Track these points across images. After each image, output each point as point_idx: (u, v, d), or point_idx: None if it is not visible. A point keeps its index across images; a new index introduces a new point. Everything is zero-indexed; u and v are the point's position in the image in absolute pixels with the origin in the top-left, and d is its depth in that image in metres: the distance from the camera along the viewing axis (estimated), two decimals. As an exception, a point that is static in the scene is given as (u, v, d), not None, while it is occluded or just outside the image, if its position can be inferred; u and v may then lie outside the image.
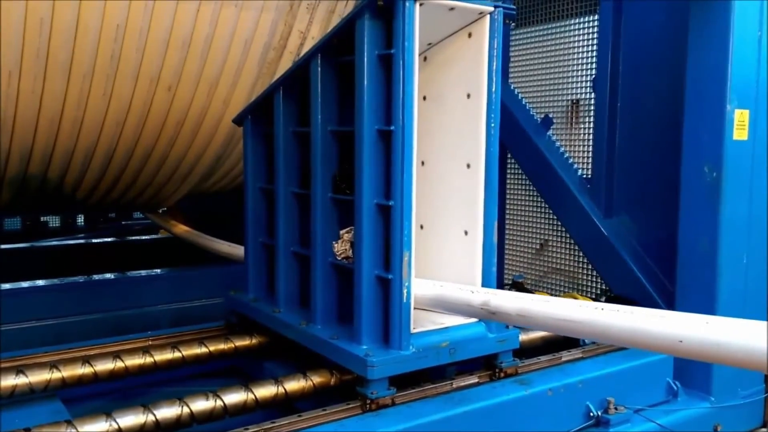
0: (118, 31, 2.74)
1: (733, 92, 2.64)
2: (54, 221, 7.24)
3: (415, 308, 2.16)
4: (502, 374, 2.36)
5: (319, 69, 2.28)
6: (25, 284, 3.68)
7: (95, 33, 2.71)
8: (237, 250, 3.52)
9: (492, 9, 2.17)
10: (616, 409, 2.43)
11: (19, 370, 2.18)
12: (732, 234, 2.72)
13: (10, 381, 2.14)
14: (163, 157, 3.41)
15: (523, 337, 2.60)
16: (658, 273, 3.10)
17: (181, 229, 4.32)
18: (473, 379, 2.31)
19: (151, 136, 3.23)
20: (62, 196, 3.57)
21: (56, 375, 2.20)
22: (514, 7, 2.36)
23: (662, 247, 3.03)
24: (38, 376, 2.18)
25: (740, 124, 2.69)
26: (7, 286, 3.62)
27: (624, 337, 1.68)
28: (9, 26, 2.56)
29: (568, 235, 3.59)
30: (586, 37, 3.43)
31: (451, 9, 2.11)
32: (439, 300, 2.20)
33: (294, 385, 2.17)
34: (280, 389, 2.14)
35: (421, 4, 1.99)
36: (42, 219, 6.96)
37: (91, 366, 2.27)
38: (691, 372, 2.75)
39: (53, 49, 2.68)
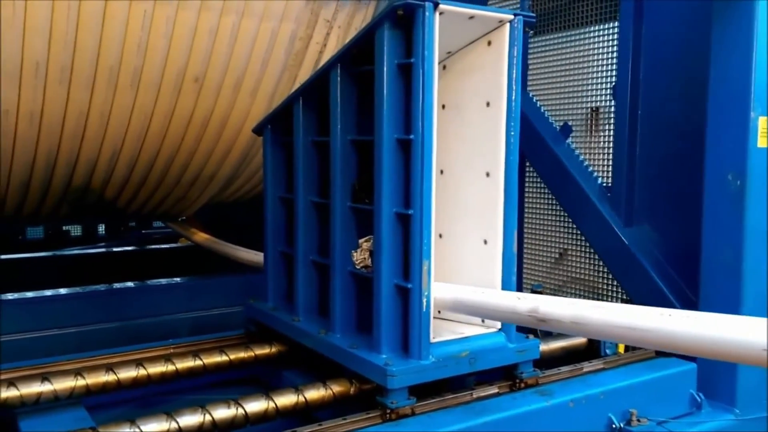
0: (140, 44, 2.78)
1: (756, 99, 2.60)
2: (75, 230, 7.33)
3: (449, 316, 2.17)
4: (523, 385, 2.34)
5: (339, 79, 2.29)
6: (48, 292, 3.73)
7: (119, 45, 2.75)
8: (257, 256, 3.54)
9: (512, 17, 2.17)
10: (638, 421, 2.39)
11: (44, 378, 2.20)
12: (757, 243, 2.68)
13: (36, 388, 2.17)
14: (184, 166, 3.45)
15: (544, 347, 2.58)
16: (680, 282, 3.05)
17: (201, 236, 4.35)
18: (493, 390, 2.30)
19: (173, 146, 3.27)
20: (85, 203, 3.62)
21: (81, 382, 2.22)
22: (534, 15, 2.35)
23: (684, 256, 2.99)
24: (63, 384, 2.21)
25: (764, 131, 2.65)
26: (30, 294, 3.68)
27: (700, 346, 1.52)
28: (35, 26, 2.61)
29: (587, 244, 3.55)
30: (605, 44, 3.41)
31: (471, 17, 2.11)
32: (482, 307, 2.10)
33: (314, 393, 2.17)
34: (300, 398, 2.14)
35: (441, 13, 2.00)
36: (64, 228, 7.05)
37: (115, 373, 2.29)
38: (716, 384, 2.70)
39: (78, 61, 2.73)
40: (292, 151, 2.60)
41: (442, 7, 1.99)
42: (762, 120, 2.62)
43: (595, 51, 3.46)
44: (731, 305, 2.68)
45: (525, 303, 1.95)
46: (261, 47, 3.05)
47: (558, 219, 3.74)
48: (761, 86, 2.61)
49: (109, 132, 3.05)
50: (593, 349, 2.76)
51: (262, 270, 2.92)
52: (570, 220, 3.64)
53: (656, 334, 1.60)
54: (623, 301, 3.37)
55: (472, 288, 2.17)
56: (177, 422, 1.93)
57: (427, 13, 1.96)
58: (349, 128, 2.33)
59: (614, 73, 3.35)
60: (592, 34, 3.46)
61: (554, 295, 3.71)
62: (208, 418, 1.98)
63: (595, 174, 3.49)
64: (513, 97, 2.21)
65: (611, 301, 3.45)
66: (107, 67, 2.81)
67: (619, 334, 1.71)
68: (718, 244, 2.72)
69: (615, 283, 3.42)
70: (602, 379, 2.48)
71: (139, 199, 3.67)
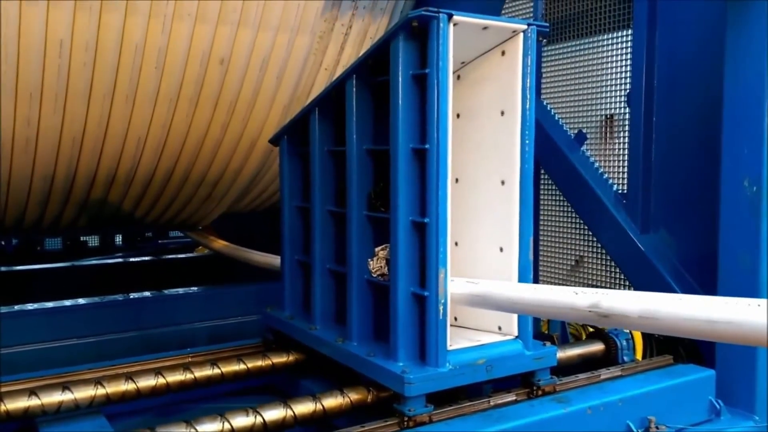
0: (159, 58, 2.83)
1: (772, 105, 2.59)
2: (93, 241, 7.42)
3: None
4: (540, 392, 2.34)
5: (355, 89, 2.32)
6: (67, 303, 3.78)
7: (138, 58, 2.80)
8: (275, 260, 3.55)
9: (525, 27, 2.19)
10: (657, 428, 2.38)
11: (65, 387, 2.23)
12: (774, 249, 2.66)
13: (56, 397, 2.20)
14: (201, 177, 3.49)
15: (561, 354, 2.57)
16: (697, 289, 3.04)
17: (220, 243, 4.39)
18: (511, 397, 2.30)
19: (190, 158, 3.31)
20: (103, 215, 3.67)
21: (100, 391, 2.24)
22: (547, 24, 2.37)
23: (702, 263, 2.98)
24: (83, 393, 2.23)
25: (780, 137, 2.64)
26: (50, 304, 3.73)
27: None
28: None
29: (604, 251, 3.55)
30: (619, 51, 3.41)
31: (485, 28, 2.13)
32: (537, 304, 1.96)
33: (331, 401, 2.18)
34: (318, 406, 2.15)
35: (455, 25, 2.02)
36: (82, 239, 7.14)
37: (134, 382, 2.31)
38: (735, 390, 2.68)
39: (97, 78, 2.79)
40: (309, 161, 2.63)
41: (456, 18, 2.01)
42: (778, 125, 2.61)
43: (609, 59, 3.46)
44: (750, 312, 2.66)
45: (585, 298, 1.81)
46: (277, 59, 3.09)
47: (574, 226, 3.74)
48: (776, 92, 2.60)
49: (127, 144, 3.10)
50: (610, 356, 2.75)
51: (280, 276, 2.95)
52: (586, 227, 3.63)
53: (741, 327, 1.45)
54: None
55: (524, 285, 2.08)
56: (196, 430, 1.95)
57: (441, 25, 1.99)
58: (365, 138, 2.35)
59: (628, 80, 3.35)
60: (605, 42, 3.47)
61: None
62: (227, 426, 1.99)
63: (611, 181, 3.49)
64: (527, 106, 2.22)
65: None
66: (126, 82, 2.86)
67: (697, 329, 1.55)
68: (735, 250, 2.70)
69: (632, 289, 3.41)
70: (620, 386, 2.47)
71: (156, 209, 3.72)
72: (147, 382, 2.34)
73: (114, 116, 2.95)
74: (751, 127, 2.64)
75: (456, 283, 2.15)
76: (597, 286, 3.58)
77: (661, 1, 3.17)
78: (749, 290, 2.67)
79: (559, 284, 3.83)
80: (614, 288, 3.50)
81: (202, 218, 4.17)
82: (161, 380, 2.36)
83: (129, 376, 2.33)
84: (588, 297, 1.81)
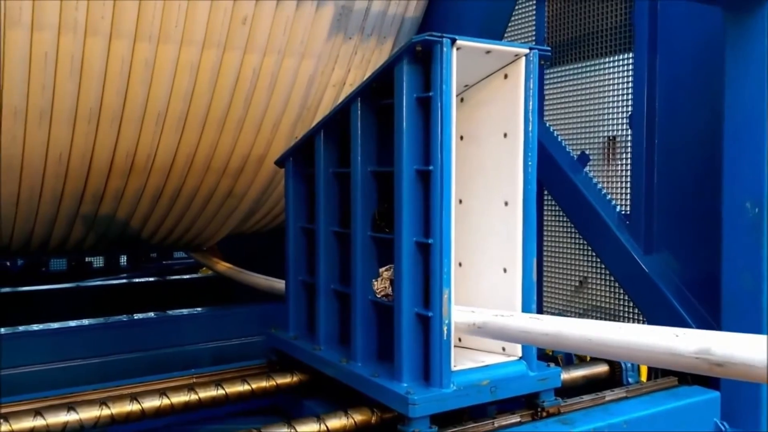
0: (168, 78, 2.87)
1: (772, 127, 2.62)
2: (98, 261, 7.44)
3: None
4: (545, 413, 2.33)
5: (359, 112, 2.35)
6: (72, 323, 3.79)
7: (146, 80, 2.84)
8: (278, 284, 3.57)
9: (527, 51, 2.22)
10: (662, 450, 2.37)
11: (70, 407, 2.24)
12: (777, 270, 2.67)
13: (62, 417, 2.20)
14: (209, 196, 3.52)
15: (565, 375, 2.57)
16: (701, 310, 3.04)
17: (224, 266, 4.41)
18: (515, 419, 2.29)
19: (197, 179, 3.35)
20: (110, 234, 3.69)
21: (105, 412, 2.25)
22: (549, 48, 2.40)
23: (705, 283, 2.98)
24: (88, 413, 2.23)
25: (781, 158, 2.66)
26: (55, 325, 3.74)
27: None
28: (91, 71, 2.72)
29: (607, 272, 3.55)
30: (621, 74, 3.45)
31: (488, 52, 2.17)
32: (624, 346, 1.70)
33: (335, 422, 2.18)
34: (322, 426, 2.15)
35: (458, 49, 2.06)
36: (86, 259, 7.17)
37: (139, 403, 2.31)
38: (740, 412, 2.67)
39: (106, 102, 2.84)
40: (314, 182, 2.65)
41: (459, 42, 2.05)
42: (779, 147, 2.63)
43: (611, 81, 3.50)
44: (752, 331, 2.65)
45: (689, 341, 1.54)
46: (283, 82, 3.13)
47: (577, 247, 3.75)
48: (777, 114, 2.63)
49: (135, 165, 3.14)
50: (615, 377, 2.74)
51: (283, 298, 2.96)
52: (589, 248, 3.64)
53: None
54: (644, 329, 3.34)
55: (607, 324, 1.80)
56: (201, 451, 1.96)
57: (444, 49, 2.02)
58: (370, 160, 2.38)
59: (630, 102, 3.38)
60: (607, 65, 3.51)
61: (574, 323, 3.70)
62: (231, 446, 1.99)
63: (614, 202, 3.50)
64: (530, 128, 2.25)
65: (632, 330, 3.42)
66: (135, 107, 2.90)
67: None
68: (738, 271, 2.71)
69: (636, 310, 3.41)
70: (625, 408, 2.47)
71: (163, 228, 3.74)
72: (151, 403, 2.34)
73: (123, 136, 2.99)
74: (751, 148, 2.66)
75: (517, 319, 1.99)
76: (601, 308, 3.58)
77: (662, 25, 3.21)
78: (752, 311, 2.67)
79: (563, 306, 3.84)
80: (619, 309, 3.50)
81: (208, 239, 4.19)
82: (165, 401, 2.36)
83: (134, 397, 2.34)
84: (693, 340, 1.55)
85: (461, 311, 2.15)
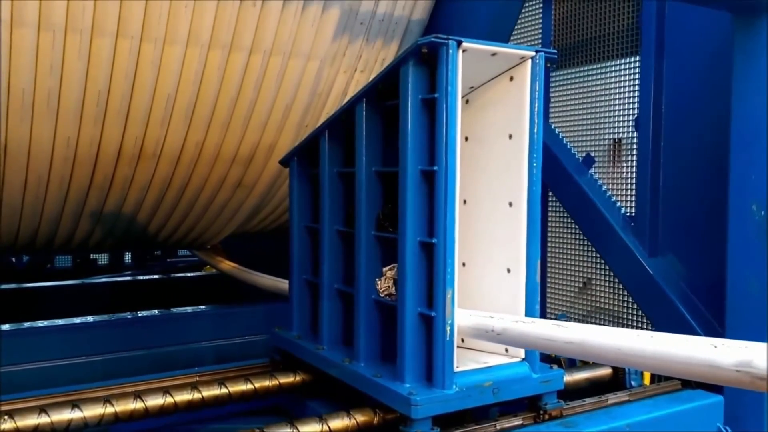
0: (173, 81, 2.88)
1: (779, 130, 2.61)
2: (103, 259, 7.47)
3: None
4: (547, 416, 2.33)
5: (364, 112, 2.35)
6: (76, 320, 3.80)
7: (152, 78, 2.85)
8: (282, 284, 3.58)
9: (533, 54, 2.22)
10: (665, 453, 2.36)
11: (74, 405, 2.24)
12: (782, 273, 2.66)
13: (66, 415, 2.21)
14: (213, 194, 3.52)
15: (568, 378, 2.57)
16: (705, 313, 3.03)
17: (228, 265, 4.42)
18: (517, 421, 2.29)
19: (201, 177, 3.35)
20: (118, 229, 3.69)
21: (109, 410, 2.25)
22: (555, 51, 2.40)
23: (710, 287, 2.97)
24: (93, 411, 2.24)
25: (787, 162, 2.65)
26: (59, 322, 3.75)
27: None
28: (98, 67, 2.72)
29: (612, 274, 3.54)
30: (627, 77, 3.45)
31: (494, 54, 2.17)
32: (654, 356, 1.60)
33: (338, 423, 2.18)
34: (324, 427, 2.15)
35: (464, 51, 2.06)
36: (91, 257, 7.19)
37: (143, 401, 2.32)
38: (743, 416, 2.66)
39: (112, 97, 2.84)
40: (318, 182, 2.66)
41: (465, 44, 2.05)
42: (785, 151, 2.62)
43: (618, 84, 3.50)
44: (757, 335, 2.65)
45: (729, 353, 1.44)
46: (289, 84, 3.14)
47: (582, 248, 3.74)
48: (783, 117, 2.62)
49: (140, 164, 3.15)
50: (618, 380, 2.74)
51: (287, 298, 2.96)
52: (594, 250, 3.64)
53: None
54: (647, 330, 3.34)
55: (640, 333, 1.69)
56: (204, 449, 1.96)
57: (450, 51, 2.02)
58: (374, 160, 2.38)
59: (636, 105, 3.38)
60: (614, 68, 3.50)
61: (578, 325, 3.69)
62: (234, 445, 2.00)
63: (619, 204, 3.50)
64: (535, 130, 2.25)
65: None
66: (142, 102, 2.91)
67: None
68: (743, 274, 2.70)
69: (640, 312, 3.40)
70: (627, 411, 2.46)
71: (170, 224, 3.73)
72: (155, 401, 2.35)
73: (128, 132, 2.99)
74: (758, 151, 2.65)
75: (539, 325, 1.91)
76: (605, 309, 3.57)
77: (669, 28, 3.21)
78: (757, 314, 2.67)
79: (566, 307, 3.83)
80: (623, 311, 3.49)
81: (212, 237, 4.20)
82: (169, 399, 2.37)
83: (137, 395, 2.34)
84: (733, 352, 1.44)
85: (479, 316, 2.11)
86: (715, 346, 1.49)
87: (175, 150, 3.14)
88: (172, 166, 3.23)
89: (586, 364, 2.80)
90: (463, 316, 2.14)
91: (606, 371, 2.78)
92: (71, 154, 2.97)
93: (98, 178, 3.17)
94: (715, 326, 2.96)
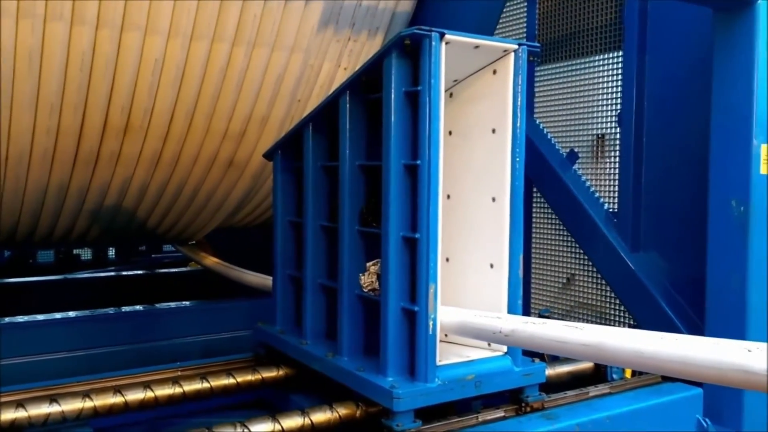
0: (155, 66, 2.84)
1: (758, 127, 2.64)
2: (86, 254, 7.40)
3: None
4: (529, 408, 2.34)
5: (348, 105, 2.34)
6: (58, 316, 3.77)
7: (134, 68, 2.82)
8: (266, 280, 3.57)
9: (516, 47, 2.22)
10: (645, 446, 2.38)
11: (53, 399, 2.22)
12: (761, 268, 2.69)
13: (44, 409, 2.19)
14: (194, 193, 3.49)
15: (550, 371, 2.58)
16: (686, 308, 3.06)
17: (211, 260, 4.40)
18: (499, 413, 2.30)
19: (185, 171, 3.32)
20: (102, 218, 3.63)
21: (88, 404, 2.24)
22: (539, 44, 2.41)
23: (691, 282, 3.00)
24: (71, 405, 2.22)
25: (766, 158, 2.68)
26: (41, 317, 3.72)
27: None
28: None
29: (594, 270, 3.57)
30: (610, 72, 3.47)
31: (476, 47, 2.17)
32: (679, 360, 1.50)
33: (320, 416, 2.18)
34: (307, 420, 2.15)
35: (447, 43, 2.05)
36: (74, 252, 7.12)
37: (122, 395, 2.30)
38: (722, 409, 2.69)
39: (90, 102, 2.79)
40: (302, 176, 2.65)
41: (448, 37, 2.05)
42: (764, 147, 2.65)
43: (601, 79, 3.52)
44: (736, 330, 2.68)
45: (764, 358, 1.34)
46: (272, 76, 3.12)
47: (565, 244, 3.76)
48: (763, 114, 2.65)
49: (119, 165, 3.11)
50: (600, 373, 2.76)
51: (270, 294, 2.95)
52: (577, 246, 3.66)
53: None
54: (630, 326, 3.37)
55: (663, 335, 1.59)
56: (184, 443, 1.95)
57: (433, 43, 2.02)
58: (358, 154, 2.38)
59: (619, 100, 3.40)
60: (597, 63, 3.52)
61: (563, 319, 3.72)
62: (215, 439, 1.99)
63: (602, 200, 3.52)
64: (518, 124, 2.25)
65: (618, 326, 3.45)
66: (122, 96, 2.88)
67: None
68: (722, 270, 2.73)
69: (622, 308, 3.43)
70: (608, 404, 2.48)
71: (157, 212, 3.67)
72: (135, 396, 2.33)
73: (109, 127, 2.95)
74: (738, 147, 2.68)
75: (551, 327, 1.83)
76: (588, 305, 3.60)
77: (651, 24, 3.23)
78: (737, 309, 2.70)
79: (550, 302, 3.85)
80: (606, 306, 3.52)
81: (197, 232, 4.17)
82: (150, 394, 2.35)
83: (117, 389, 2.33)
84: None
85: (486, 317, 2.07)
86: (749, 350, 1.39)
87: (164, 122, 3.04)
88: (161, 140, 3.13)
89: (568, 358, 2.82)
90: (467, 316, 2.12)
91: (588, 365, 2.80)
92: (54, 125, 2.85)
93: (83, 150, 3.05)
94: (696, 320, 3.00)
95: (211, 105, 3.06)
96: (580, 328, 1.74)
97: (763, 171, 2.66)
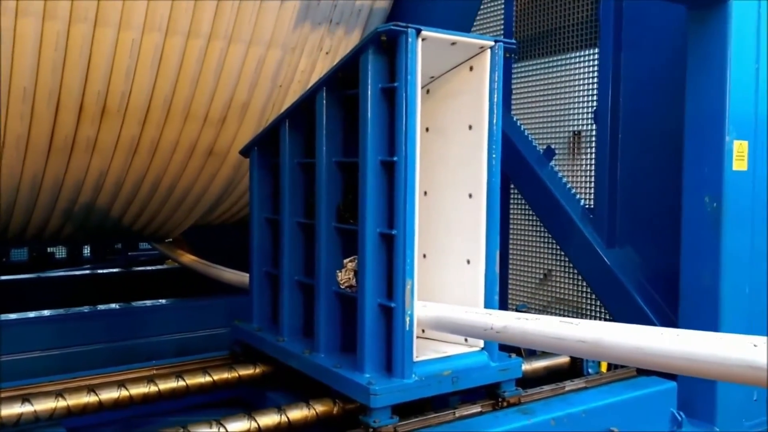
0: (128, 71, 2.81)
1: (731, 123, 2.68)
2: (60, 252, 7.28)
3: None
4: (505, 404, 2.36)
5: (324, 102, 2.33)
6: (31, 314, 3.70)
7: (108, 71, 2.78)
8: (243, 278, 3.54)
9: (492, 43, 2.23)
10: (620, 439, 2.41)
11: (25, 399, 2.19)
12: (734, 264, 2.73)
13: (16, 409, 2.15)
14: (172, 187, 3.45)
15: (526, 366, 2.60)
16: (661, 303, 3.10)
17: (188, 258, 4.36)
18: (476, 409, 2.31)
19: (160, 168, 3.28)
20: (76, 214, 3.57)
21: (61, 404, 2.21)
22: (515, 41, 2.41)
23: (665, 277, 3.04)
24: (43, 405, 2.19)
25: (739, 155, 2.73)
26: (13, 316, 3.65)
27: None
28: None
29: (571, 265, 3.60)
30: (586, 69, 3.50)
31: (453, 44, 2.17)
32: (685, 357, 1.45)
33: (297, 413, 2.17)
34: (283, 418, 2.14)
35: (423, 39, 2.05)
36: (49, 250, 7.01)
37: (96, 395, 2.27)
38: (696, 402, 2.73)
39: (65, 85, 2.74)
40: (279, 173, 2.63)
41: (424, 33, 2.05)
42: (737, 143, 2.69)
43: (577, 76, 3.54)
44: (709, 325, 2.72)
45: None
46: (249, 72, 3.09)
47: (542, 240, 3.79)
48: (735, 111, 2.69)
49: (96, 154, 3.06)
50: (576, 368, 2.79)
51: (248, 291, 2.94)
52: (554, 242, 3.69)
53: None
54: (606, 321, 3.40)
55: (664, 331, 1.54)
56: (159, 442, 1.93)
57: (409, 39, 2.02)
58: (335, 150, 2.37)
59: (595, 97, 3.43)
60: (573, 60, 3.55)
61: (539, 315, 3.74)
62: (190, 438, 1.97)
63: (578, 196, 3.55)
64: (494, 121, 2.26)
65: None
66: (95, 93, 2.82)
67: None
68: (696, 265, 2.77)
69: (598, 303, 3.46)
70: (584, 398, 2.51)
71: (134, 204, 3.60)
72: (110, 395, 2.31)
73: (83, 121, 2.90)
74: (711, 144, 2.72)
75: (545, 322, 1.77)
76: (565, 300, 3.63)
77: (627, 22, 3.26)
78: (709, 304, 2.74)
79: (527, 298, 3.88)
80: (582, 301, 3.55)
81: (173, 229, 4.13)
82: (124, 393, 2.33)
83: (91, 389, 2.30)
84: None
85: (477, 313, 2.06)
86: (755, 345, 1.34)
87: (142, 106, 2.97)
88: (139, 125, 3.07)
89: (544, 353, 2.84)
90: (458, 313, 2.11)
91: (564, 359, 2.82)
92: (27, 109, 2.77)
93: (59, 140, 2.96)
94: (669, 315, 3.04)
95: (191, 88, 3.00)
96: (576, 324, 1.68)
97: (735, 167, 2.70)
